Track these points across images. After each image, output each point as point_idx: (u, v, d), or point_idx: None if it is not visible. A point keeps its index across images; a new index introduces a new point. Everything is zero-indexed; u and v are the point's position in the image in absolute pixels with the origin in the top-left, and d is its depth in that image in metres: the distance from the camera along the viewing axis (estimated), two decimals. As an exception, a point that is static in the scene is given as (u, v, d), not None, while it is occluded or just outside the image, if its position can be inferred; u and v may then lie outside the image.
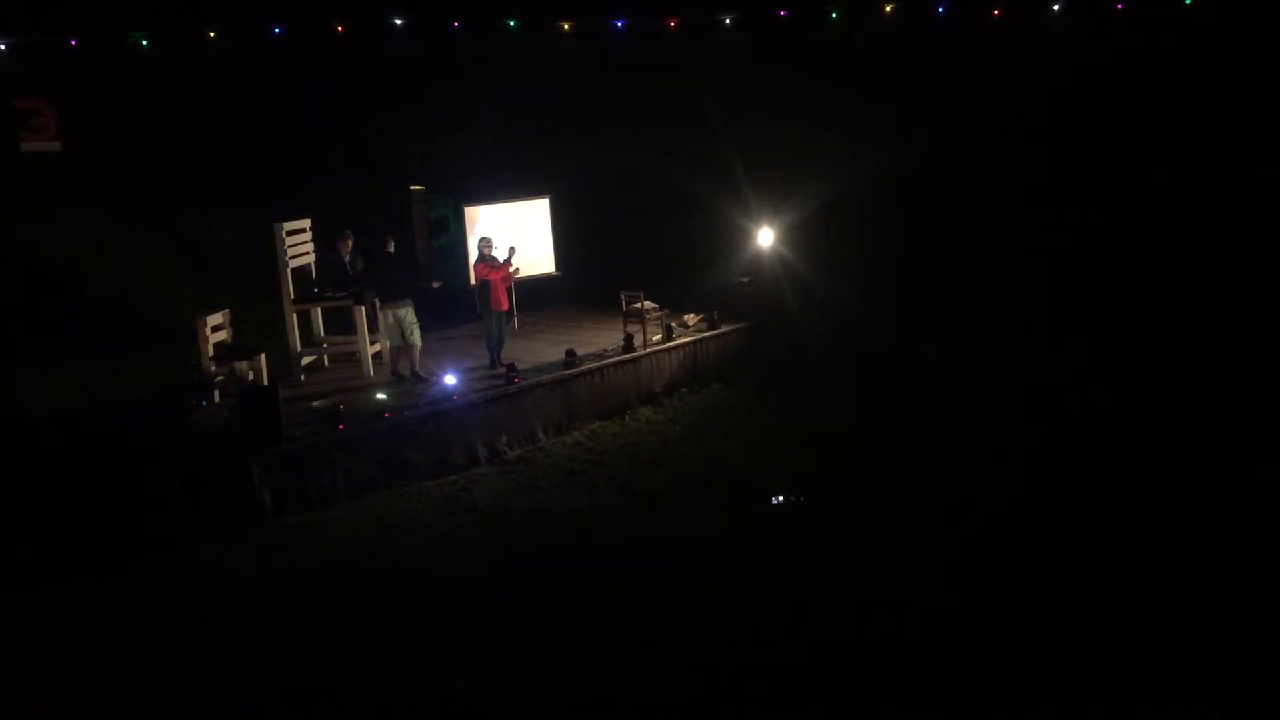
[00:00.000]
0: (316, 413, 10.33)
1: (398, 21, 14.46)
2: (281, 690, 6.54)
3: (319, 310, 12.69)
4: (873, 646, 6.78)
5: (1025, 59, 15.26)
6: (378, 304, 11.52)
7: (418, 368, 11.61)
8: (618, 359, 12.47)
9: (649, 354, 12.83)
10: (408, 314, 11.48)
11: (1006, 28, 15.69)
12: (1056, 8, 15.65)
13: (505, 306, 12.46)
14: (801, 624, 7.12)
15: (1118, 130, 15.51)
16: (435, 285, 12.77)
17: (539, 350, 12.93)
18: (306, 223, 12.65)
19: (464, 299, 13.73)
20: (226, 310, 11.71)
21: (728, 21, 15.59)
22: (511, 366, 11.46)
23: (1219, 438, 10.01)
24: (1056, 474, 9.57)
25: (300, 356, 12.35)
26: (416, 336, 11.58)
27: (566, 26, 15.27)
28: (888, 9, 15.55)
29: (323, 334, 12.91)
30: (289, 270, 11.96)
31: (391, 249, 11.78)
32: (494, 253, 12.21)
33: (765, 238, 14.78)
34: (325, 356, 12.88)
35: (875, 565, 7.98)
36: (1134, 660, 6.51)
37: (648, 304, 12.98)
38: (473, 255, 12.86)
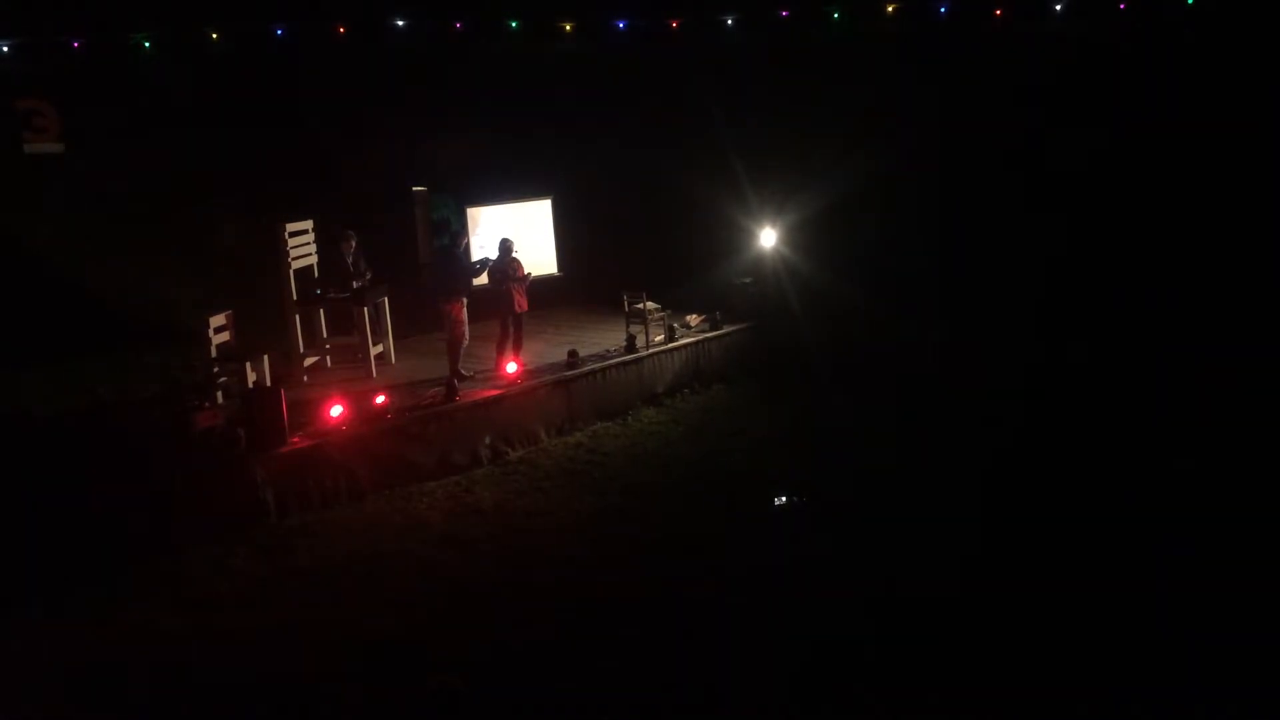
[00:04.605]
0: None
1: (400, 22, 14.49)
2: (280, 691, 6.53)
3: (322, 311, 12.69)
4: (874, 647, 6.77)
5: (1027, 58, 15.24)
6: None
7: (455, 366, 11.61)
8: (620, 360, 12.47)
9: (651, 355, 12.83)
10: (452, 310, 11.54)
11: (1008, 27, 15.68)
12: (1059, 8, 15.64)
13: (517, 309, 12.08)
14: (802, 624, 7.11)
15: (1117, 129, 15.48)
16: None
17: (541, 350, 12.93)
18: (309, 223, 12.66)
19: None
20: (229, 311, 11.75)
21: (729, 22, 15.59)
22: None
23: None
24: (1057, 474, 9.57)
25: (303, 357, 12.36)
26: (456, 334, 11.60)
27: (568, 27, 15.27)
28: (889, 9, 15.55)
29: (325, 334, 12.91)
30: (292, 270, 11.96)
31: (461, 247, 12.12)
32: (516, 254, 12.06)
33: (767, 238, 14.79)
34: (328, 357, 12.89)
35: (877, 566, 7.97)
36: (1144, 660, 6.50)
37: (650, 304, 12.97)
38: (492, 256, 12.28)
